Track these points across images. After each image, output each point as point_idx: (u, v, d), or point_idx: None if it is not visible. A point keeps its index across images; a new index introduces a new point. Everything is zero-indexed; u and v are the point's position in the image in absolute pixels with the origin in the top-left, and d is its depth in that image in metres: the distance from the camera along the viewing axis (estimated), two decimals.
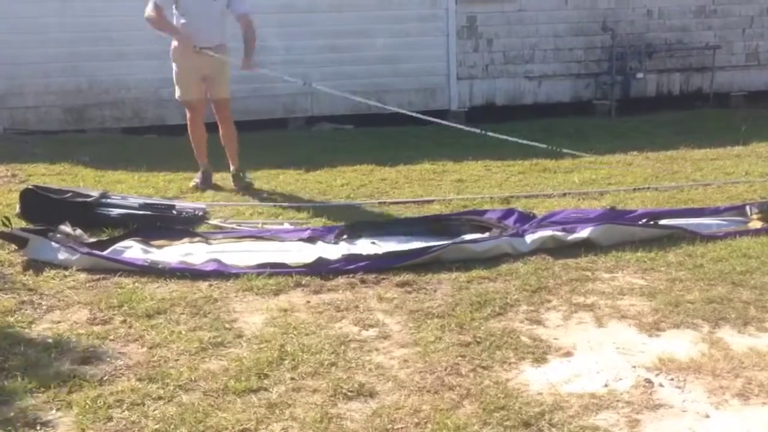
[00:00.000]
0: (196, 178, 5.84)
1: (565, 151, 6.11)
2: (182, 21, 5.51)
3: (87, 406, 2.58)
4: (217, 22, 5.56)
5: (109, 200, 4.90)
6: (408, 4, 9.19)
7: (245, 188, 5.77)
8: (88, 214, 4.64)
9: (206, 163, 5.89)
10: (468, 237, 4.38)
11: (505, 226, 4.48)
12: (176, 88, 5.72)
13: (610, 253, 4.11)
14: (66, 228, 4.23)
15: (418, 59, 9.31)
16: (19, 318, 3.32)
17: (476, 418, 2.52)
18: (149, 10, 5.45)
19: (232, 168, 5.91)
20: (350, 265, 3.93)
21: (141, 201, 5.05)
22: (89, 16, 8.23)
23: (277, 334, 3.16)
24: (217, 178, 5.97)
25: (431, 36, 9.32)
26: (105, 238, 4.35)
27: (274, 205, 5.38)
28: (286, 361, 2.91)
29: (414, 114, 6.81)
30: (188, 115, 5.82)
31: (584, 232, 4.24)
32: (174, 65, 5.65)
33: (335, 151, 7.47)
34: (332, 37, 8.94)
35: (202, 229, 4.71)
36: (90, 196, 4.84)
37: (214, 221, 4.87)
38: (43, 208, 4.59)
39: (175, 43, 5.56)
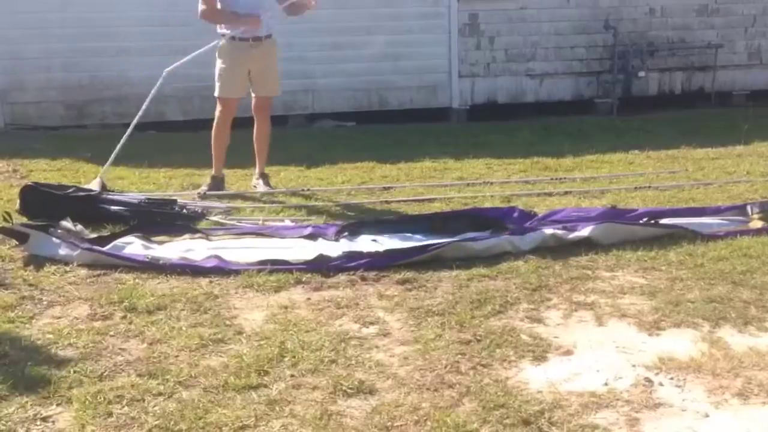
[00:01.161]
0: (204, 186, 5.53)
1: None
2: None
3: (87, 402, 2.58)
4: (268, 11, 5.34)
5: (109, 196, 4.91)
6: (410, 2, 9.17)
7: (266, 186, 5.66)
8: (89, 210, 4.64)
9: (221, 171, 5.63)
10: (469, 235, 4.37)
11: (505, 225, 4.48)
12: (218, 84, 5.45)
13: (611, 252, 4.11)
14: (67, 224, 4.23)
15: (419, 57, 9.30)
16: (20, 313, 3.33)
17: (476, 416, 2.52)
18: (201, 6, 5.28)
19: (258, 168, 5.74)
20: (351, 263, 3.93)
21: (142, 197, 5.05)
22: (91, 12, 8.23)
23: (278, 331, 3.16)
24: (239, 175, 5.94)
25: (433, 33, 9.31)
26: (106, 234, 4.35)
27: (277, 193, 5.39)
28: (286, 358, 2.91)
29: None
30: (219, 113, 5.51)
31: (585, 231, 4.24)
32: (220, 61, 5.41)
33: (336, 148, 7.47)
34: (334, 34, 8.93)
35: (202, 225, 4.71)
36: (91, 191, 4.85)
37: (214, 217, 4.87)
38: (44, 205, 4.59)
39: (222, 40, 5.35)
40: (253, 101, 5.64)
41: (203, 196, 5.39)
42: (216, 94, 5.50)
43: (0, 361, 2.87)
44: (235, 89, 5.47)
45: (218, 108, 5.53)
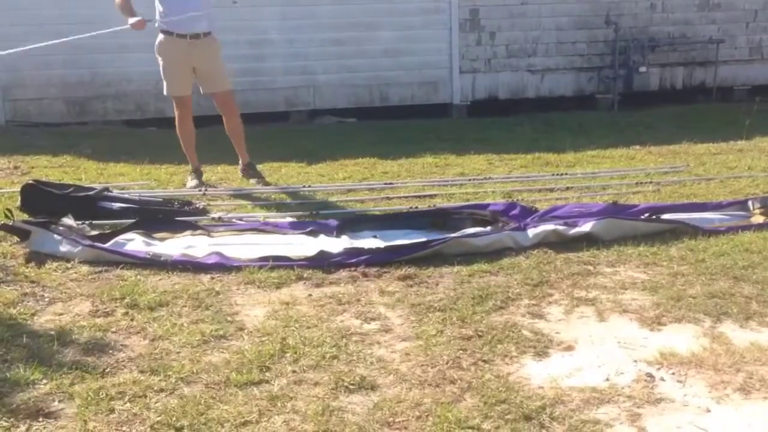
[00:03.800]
0: (190, 178, 5.64)
1: None
2: (161, 8, 5.29)
3: (89, 398, 2.59)
4: (199, 7, 5.24)
5: (110, 194, 4.91)
6: None
7: (258, 178, 5.70)
8: (90, 208, 4.64)
9: (197, 162, 5.72)
10: (470, 231, 4.37)
11: (507, 220, 4.48)
12: (164, 83, 5.47)
13: (612, 248, 4.11)
14: (68, 220, 4.24)
15: (420, 52, 9.30)
16: (22, 310, 3.33)
17: (477, 412, 2.52)
18: None
19: (241, 160, 5.80)
20: (352, 259, 3.93)
21: (145, 193, 5.06)
22: (91, 8, 8.22)
23: (279, 327, 3.17)
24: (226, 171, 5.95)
25: (434, 29, 9.31)
26: (107, 231, 4.35)
27: (279, 190, 5.39)
28: (288, 354, 2.92)
29: None
30: (176, 111, 5.57)
31: (586, 227, 4.24)
32: (159, 59, 5.41)
33: (337, 144, 7.47)
34: (335, 30, 8.93)
35: (203, 221, 4.71)
36: (91, 190, 4.86)
37: (216, 214, 4.87)
38: (45, 203, 4.59)
39: (161, 36, 5.34)
40: (214, 100, 5.65)
41: (205, 192, 5.40)
42: (165, 92, 5.53)
43: (2, 357, 2.87)
44: (181, 87, 5.44)
45: (174, 107, 5.58)
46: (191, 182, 5.62)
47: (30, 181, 4.90)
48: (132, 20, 5.22)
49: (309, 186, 5.72)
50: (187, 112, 5.56)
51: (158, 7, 5.32)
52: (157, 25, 5.36)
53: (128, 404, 2.57)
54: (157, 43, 5.40)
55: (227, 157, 6.11)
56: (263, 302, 3.46)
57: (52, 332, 3.10)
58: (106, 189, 5.00)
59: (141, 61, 8.29)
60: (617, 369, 2.83)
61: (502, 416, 2.50)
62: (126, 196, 4.99)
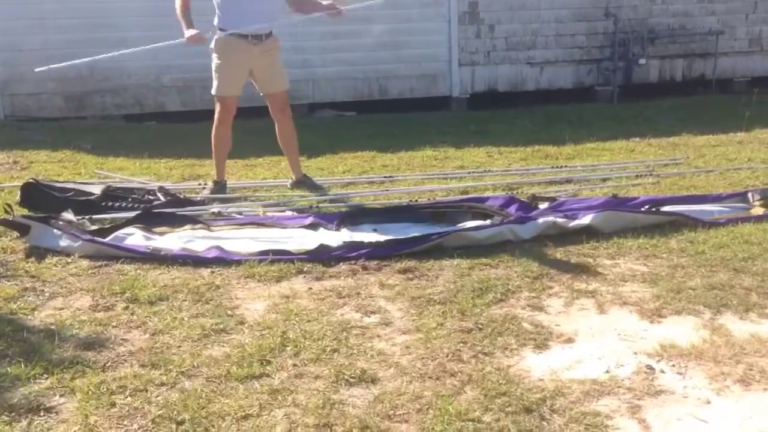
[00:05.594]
0: (206, 190, 5.25)
1: None
2: (222, 6, 5.04)
3: (90, 392, 2.59)
4: (266, 6, 5.06)
5: (112, 197, 4.89)
6: None
7: (315, 188, 5.40)
8: (90, 211, 4.62)
9: (224, 175, 5.38)
10: (470, 224, 4.37)
11: (506, 214, 4.48)
12: (215, 83, 5.16)
13: (612, 240, 4.11)
14: (68, 215, 4.24)
15: (419, 45, 9.28)
16: (22, 305, 3.33)
17: (477, 404, 2.53)
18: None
19: (294, 174, 5.47)
20: (352, 252, 3.93)
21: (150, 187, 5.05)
22: (90, 2, 8.22)
23: (279, 321, 3.17)
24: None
25: (433, 22, 9.29)
26: (107, 225, 4.35)
27: (278, 184, 5.38)
28: (288, 348, 2.92)
29: None
30: (218, 114, 5.21)
31: (586, 219, 4.24)
32: (216, 56, 5.13)
33: (337, 137, 7.46)
34: (333, 23, 8.88)
35: (204, 216, 4.71)
36: (92, 194, 4.82)
37: (215, 208, 4.87)
38: (44, 203, 4.59)
39: (219, 33, 5.05)
40: (268, 102, 5.41)
41: (204, 186, 5.37)
42: (213, 92, 5.25)
43: (2, 352, 2.88)
44: (232, 87, 5.18)
45: (217, 108, 5.28)
46: (205, 192, 5.28)
47: (30, 180, 4.89)
48: (189, 33, 4.96)
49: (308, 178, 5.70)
50: (229, 116, 5.24)
51: (217, 5, 5.08)
52: (216, 23, 5.13)
53: (129, 398, 2.57)
54: (213, 40, 5.13)
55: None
56: (263, 296, 3.46)
57: (53, 327, 3.10)
58: (108, 188, 4.98)
59: (140, 55, 8.27)
60: (617, 361, 2.84)
61: (502, 409, 2.50)
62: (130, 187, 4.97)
